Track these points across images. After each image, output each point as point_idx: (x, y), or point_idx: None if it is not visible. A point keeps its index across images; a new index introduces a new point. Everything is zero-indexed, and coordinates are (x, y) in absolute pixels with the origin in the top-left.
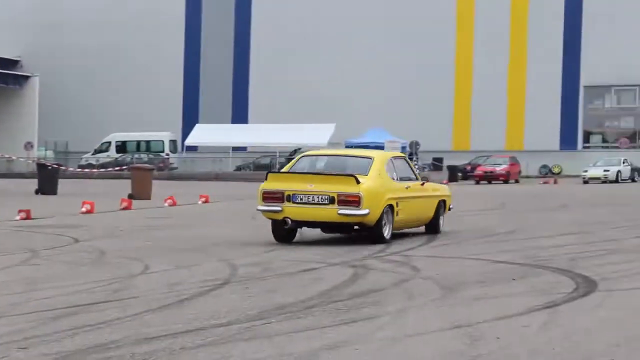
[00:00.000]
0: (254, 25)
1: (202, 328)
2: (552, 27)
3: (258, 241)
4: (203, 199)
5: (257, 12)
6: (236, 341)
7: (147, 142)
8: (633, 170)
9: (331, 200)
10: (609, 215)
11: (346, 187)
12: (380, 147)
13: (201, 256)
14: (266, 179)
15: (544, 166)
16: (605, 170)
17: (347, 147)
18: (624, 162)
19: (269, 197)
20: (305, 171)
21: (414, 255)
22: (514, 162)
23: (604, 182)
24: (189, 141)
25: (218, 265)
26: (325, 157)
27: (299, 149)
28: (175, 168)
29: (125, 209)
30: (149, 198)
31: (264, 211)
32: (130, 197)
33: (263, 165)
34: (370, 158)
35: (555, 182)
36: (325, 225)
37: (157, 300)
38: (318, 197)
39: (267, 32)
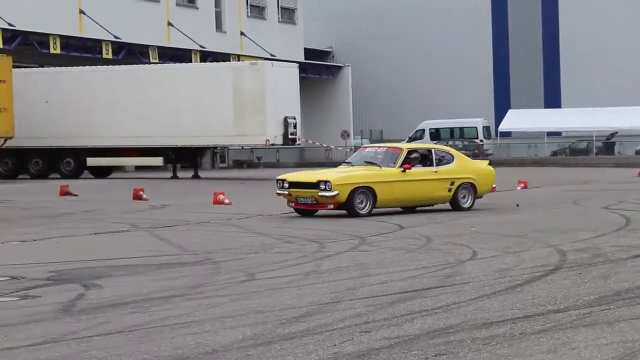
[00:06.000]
0: (562, 1)
1: (539, 314)
2: None
3: (583, 227)
4: (522, 185)
5: None
6: (576, 327)
7: (461, 128)
8: None
9: None
10: None
11: None
12: None
13: (527, 242)
14: None
15: None
16: None
17: None
18: None
19: None
20: None
21: None
22: None
23: None
24: (503, 127)
25: (546, 251)
26: None
27: (616, 132)
28: (491, 154)
29: None
30: None
31: None
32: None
33: (579, 150)
34: None
35: None
36: None
37: (490, 286)
38: None
39: (578, 8)
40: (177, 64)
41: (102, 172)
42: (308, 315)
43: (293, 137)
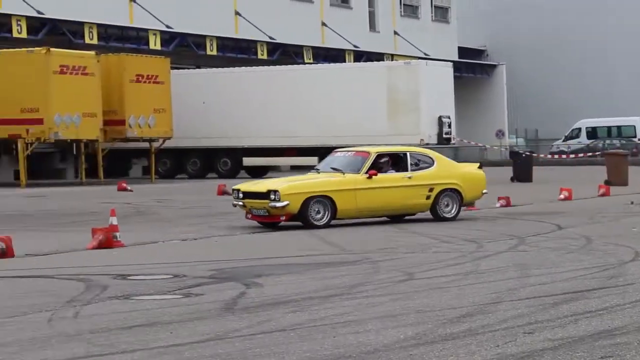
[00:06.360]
0: None
1: None
2: None
3: None
4: None
5: None
6: None
7: (618, 127)
8: None
9: None
10: None
11: None
12: None
13: None
14: None
15: None
16: None
17: None
18: None
19: None
20: None
21: None
22: None
23: None
24: None
25: None
26: None
27: None
28: None
29: (603, 195)
30: (626, 184)
31: None
32: (607, 183)
33: None
34: None
35: None
36: None
37: None
38: None
39: None
40: (332, 64)
41: (258, 172)
42: (469, 316)
43: (448, 136)
